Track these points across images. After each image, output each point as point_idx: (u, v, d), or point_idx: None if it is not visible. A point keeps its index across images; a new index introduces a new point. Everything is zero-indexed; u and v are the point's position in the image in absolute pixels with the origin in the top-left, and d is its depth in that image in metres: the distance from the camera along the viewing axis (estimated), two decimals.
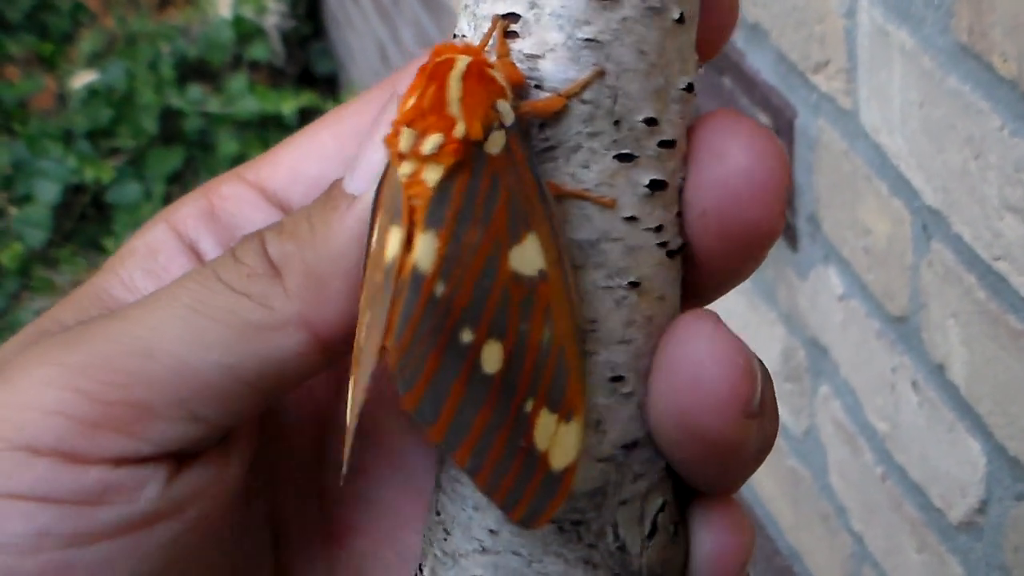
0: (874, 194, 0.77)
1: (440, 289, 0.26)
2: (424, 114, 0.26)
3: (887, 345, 0.80)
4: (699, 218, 0.29)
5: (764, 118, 0.88)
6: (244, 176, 0.32)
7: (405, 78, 0.32)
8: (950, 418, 0.74)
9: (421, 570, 0.30)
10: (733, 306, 1.03)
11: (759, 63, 0.89)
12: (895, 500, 0.83)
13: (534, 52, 0.28)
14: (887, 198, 0.76)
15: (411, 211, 0.26)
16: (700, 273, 0.30)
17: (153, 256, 0.31)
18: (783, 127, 0.86)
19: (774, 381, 1.04)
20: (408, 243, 0.26)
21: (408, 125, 0.26)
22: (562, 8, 0.27)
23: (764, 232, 0.29)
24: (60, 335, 0.28)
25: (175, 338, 0.28)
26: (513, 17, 0.28)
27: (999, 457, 0.70)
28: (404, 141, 0.26)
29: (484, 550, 0.29)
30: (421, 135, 0.26)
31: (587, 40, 0.28)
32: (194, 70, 2.93)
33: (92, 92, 2.87)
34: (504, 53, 0.28)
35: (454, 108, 0.26)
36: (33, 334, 0.30)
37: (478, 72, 0.27)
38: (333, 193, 0.29)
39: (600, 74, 0.28)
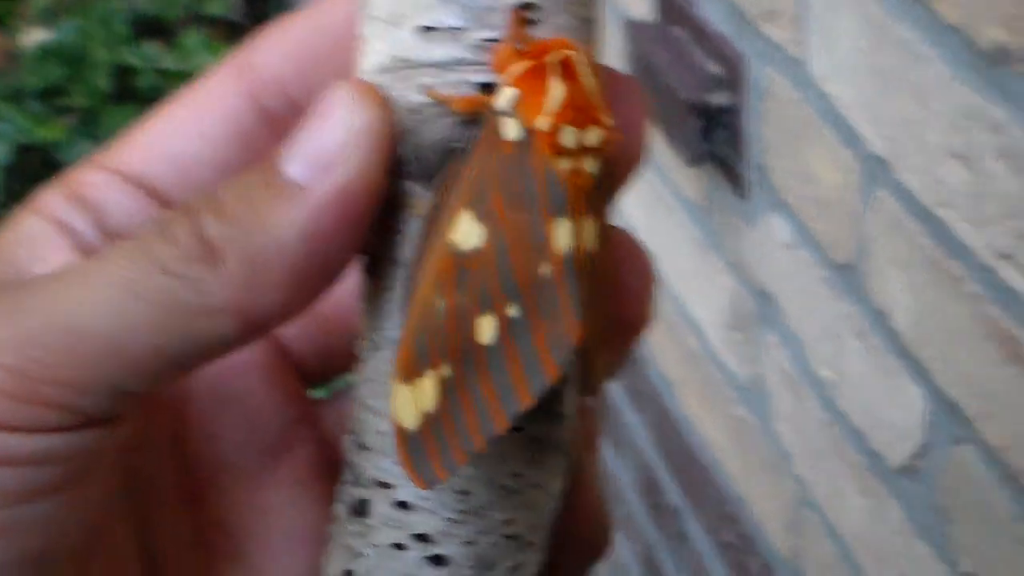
0: (822, 143, 0.78)
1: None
2: (579, 111, 0.28)
3: (833, 293, 0.80)
4: None
5: (715, 68, 0.88)
6: (102, 164, 0.32)
7: (258, 52, 0.32)
8: (892, 365, 0.75)
9: (425, 538, 0.31)
10: (680, 254, 1.03)
11: (710, 12, 0.89)
12: (838, 445, 0.84)
13: (552, 37, 0.29)
14: (835, 147, 0.76)
15: (578, 201, 0.28)
16: None
17: (33, 244, 0.31)
18: (734, 76, 0.86)
19: (722, 330, 1.05)
20: (579, 231, 0.28)
21: (570, 123, 0.28)
22: None
23: (634, 163, 0.32)
24: None
25: (106, 318, 0.27)
26: (529, 7, 0.29)
27: (940, 402, 0.71)
28: (568, 139, 0.28)
29: (508, 492, 0.31)
30: (581, 131, 0.28)
31: (584, 20, 0.30)
32: (149, 26, 2.89)
33: (44, 50, 2.84)
34: (524, 42, 0.29)
35: (596, 100, 0.28)
36: None
37: (593, 63, 0.29)
38: (271, 175, 0.29)
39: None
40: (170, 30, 2.91)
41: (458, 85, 0.29)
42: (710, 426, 1.04)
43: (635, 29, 0.97)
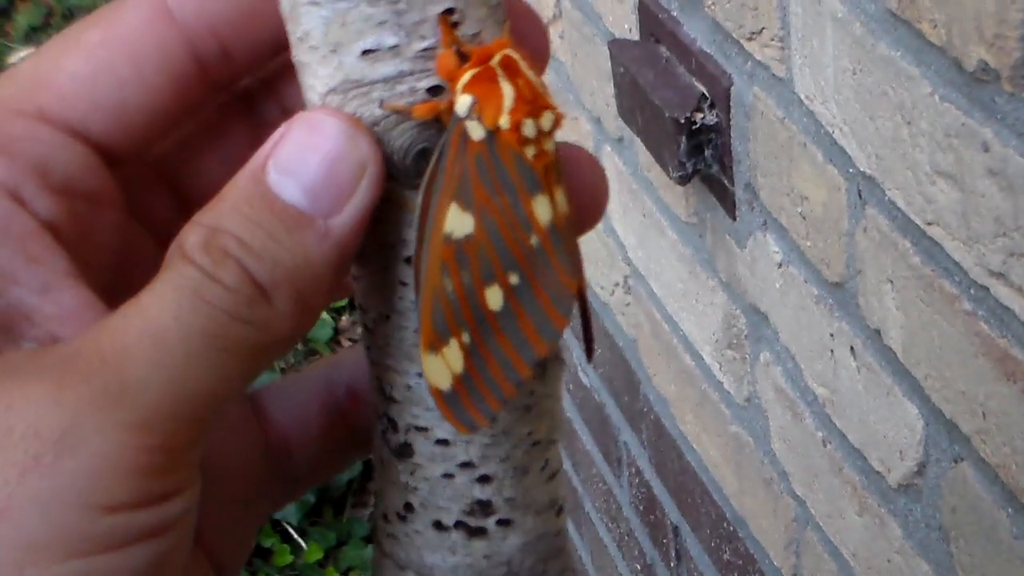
0: (809, 161, 0.77)
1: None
2: (531, 103, 0.32)
3: (825, 311, 0.80)
4: None
5: (700, 86, 0.88)
6: (24, 111, 0.32)
7: None
8: (888, 382, 0.75)
9: (470, 465, 0.35)
10: (674, 274, 1.03)
11: (695, 31, 0.89)
12: (836, 464, 0.84)
13: (475, 31, 0.32)
14: (822, 165, 0.76)
15: (547, 177, 0.32)
16: None
17: None
18: (719, 95, 0.86)
19: (716, 349, 1.04)
20: (553, 202, 0.33)
21: (528, 116, 0.32)
22: None
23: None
24: (96, 392, 0.29)
25: (206, 377, 0.30)
26: (450, 11, 0.32)
27: (936, 420, 0.71)
28: (529, 130, 0.32)
29: (528, 409, 0.35)
30: (536, 120, 0.32)
31: (496, 4, 0.33)
32: None
33: None
34: (454, 41, 0.32)
35: (541, 90, 0.32)
36: None
37: (525, 57, 0.32)
38: (286, 212, 0.31)
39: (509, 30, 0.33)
40: None
41: (409, 93, 0.32)
42: (707, 444, 1.04)
43: (619, 47, 0.96)
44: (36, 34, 3.03)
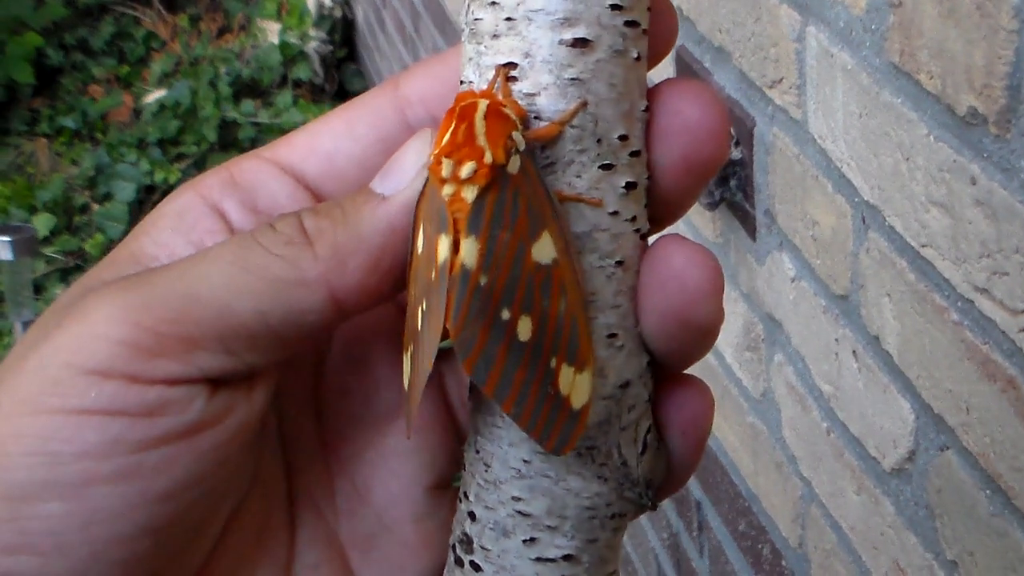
0: (821, 191, 0.77)
1: (483, 280, 0.29)
2: (459, 147, 0.29)
3: (831, 319, 0.80)
4: (671, 166, 0.30)
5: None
6: (261, 155, 0.33)
7: (406, 79, 0.33)
8: (884, 381, 0.74)
9: (467, 496, 0.32)
10: None
11: (724, 80, 0.88)
12: (837, 450, 0.83)
13: (531, 91, 0.30)
14: (831, 195, 0.76)
15: (455, 222, 0.29)
16: (663, 210, 0.31)
17: (181, 217, 0.31)
18: (744, 135, 0.86)
19: (737, 350, 1.03)
20: (455, 247, 0.29)
21: (447, 157, 0.29)
22: (550, 56, 0.30)
23: (719, 160, 0.30)
24: (121, 281, 0.29)
25: (219, 286, 0.29)
26: (512, 65, 0.30)
27: (925, 414, 0.70)
28: (445, 169, 0.29)
29: (521, 475, 0.31)
30: (458, 163, 0.29)
31: (571, 79, 0.30)
32: (247, 87, 2.92)
33: (162, 106, 2.88)
34: (507, 94, 0.30)
35: (481, 140, 0.29)
36: (78, 293, 0.30)
37: (495, 111, 0.29)
38: (364, 191, 0.31)
39: (583, 105, 0.30)
40: (264, 91, 2.93)
41: None
42: (727, 432, 1.04)
43: None
44: (167, 79, 3.06)
